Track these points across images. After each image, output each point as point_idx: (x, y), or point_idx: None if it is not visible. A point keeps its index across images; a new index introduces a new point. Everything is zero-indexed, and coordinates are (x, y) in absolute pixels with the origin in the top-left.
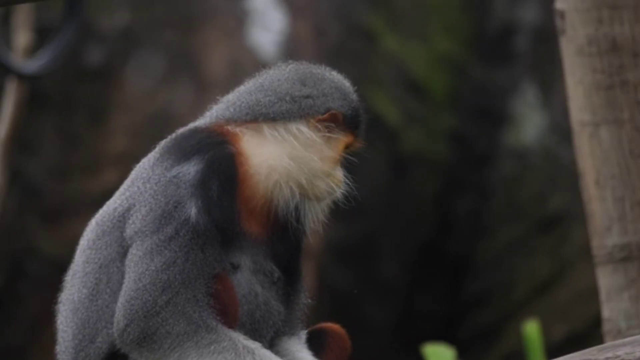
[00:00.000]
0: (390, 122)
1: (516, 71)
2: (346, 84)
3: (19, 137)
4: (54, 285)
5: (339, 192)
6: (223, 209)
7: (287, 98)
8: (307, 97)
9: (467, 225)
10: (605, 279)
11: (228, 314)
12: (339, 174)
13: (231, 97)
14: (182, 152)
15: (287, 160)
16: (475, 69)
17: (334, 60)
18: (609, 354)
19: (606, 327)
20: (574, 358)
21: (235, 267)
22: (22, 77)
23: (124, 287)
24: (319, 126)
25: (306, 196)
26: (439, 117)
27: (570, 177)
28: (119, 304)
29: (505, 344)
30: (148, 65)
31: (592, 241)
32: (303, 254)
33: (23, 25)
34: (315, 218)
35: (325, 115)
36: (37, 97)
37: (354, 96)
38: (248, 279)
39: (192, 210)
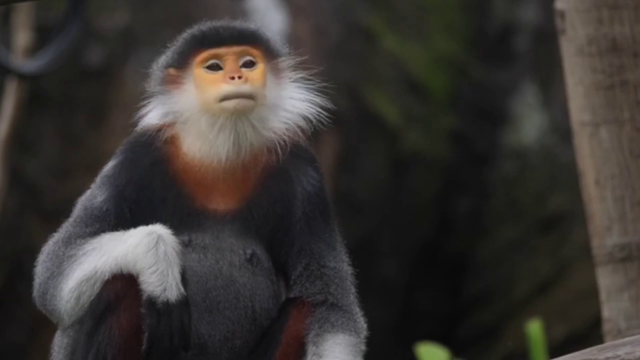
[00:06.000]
0: (390, 122)
1: (516, 71)
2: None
3: (19, 137)
4: None
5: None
6: (140, 195)
7: (148, 99)
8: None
9: (467, 225)
10: (605, 279)
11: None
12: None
13: None
14: (117, 149)
15: (188, 126)
16: (475, 69)
17: (334, 60)
18: (609, 354)
19: (606, 327)
20: (574, 358)
21: (185, 245)
22: (22, 77)
23: None
24: (170, 83)
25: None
26: (439, 117)
27: (570, 177)
28: None
29: (505, 343)
30: (148, 65)
31: (592, 241)
32: (316, 227)
33: (23, 25)
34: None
35: (166, 78)
36: (37, 97)
37: (179, 39)
38: (205, 257)
39: (99, 198)
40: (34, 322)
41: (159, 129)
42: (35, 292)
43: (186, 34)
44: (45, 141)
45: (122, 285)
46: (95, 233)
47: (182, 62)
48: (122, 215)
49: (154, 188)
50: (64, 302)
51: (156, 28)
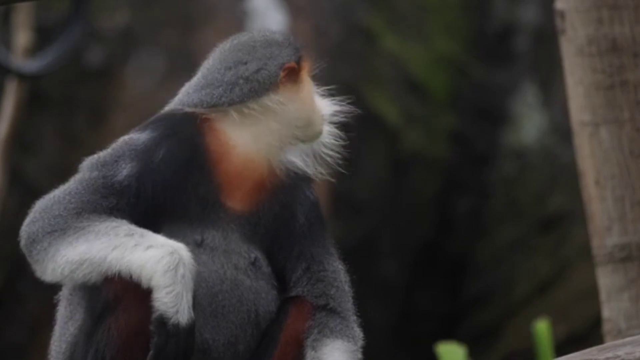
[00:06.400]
0: (390, 122)
1: (516, 71)
2: (273, 34)
3: (19, 137)
4: (54, 285)
5: (329, 116)
6: (167, 179)
7: (240, 82)
8: (258, 70)
9: (467, 225)
10: (605, 279)
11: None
12: (321, 104)
13: (188, 90)
14: (145, 124)
15: (275, 126)
16: (475, 69)
17: (334, 60)
18: (609, 354)
19: (606, 327)
20: (574, 358)
21: (198, 245)
22: (22, 77)
23: None
24: (286, 84)
25: (304, 141)
26: (439, 117)
27: (570, 177)
28: None
29: (505, 343)
30: (148, 65)
31: (592, 241)
32: (313, 237)
33: (23, 25)
34: (326, 155)
35: (285, 73)
36: (37, 97)
37: (284, 36)
38: (212, 260)
39: (124, 171)
40: (34, 322)
41: (198, 113)
42: (25, 233)
43: (286, 37)
44: (45, 141)
45: (121, 287)
46: (111, 209)
47: (299, 62)
48: (144, 194)
49: (193, 170)
50: (56, 265)
51: (156, 28)
